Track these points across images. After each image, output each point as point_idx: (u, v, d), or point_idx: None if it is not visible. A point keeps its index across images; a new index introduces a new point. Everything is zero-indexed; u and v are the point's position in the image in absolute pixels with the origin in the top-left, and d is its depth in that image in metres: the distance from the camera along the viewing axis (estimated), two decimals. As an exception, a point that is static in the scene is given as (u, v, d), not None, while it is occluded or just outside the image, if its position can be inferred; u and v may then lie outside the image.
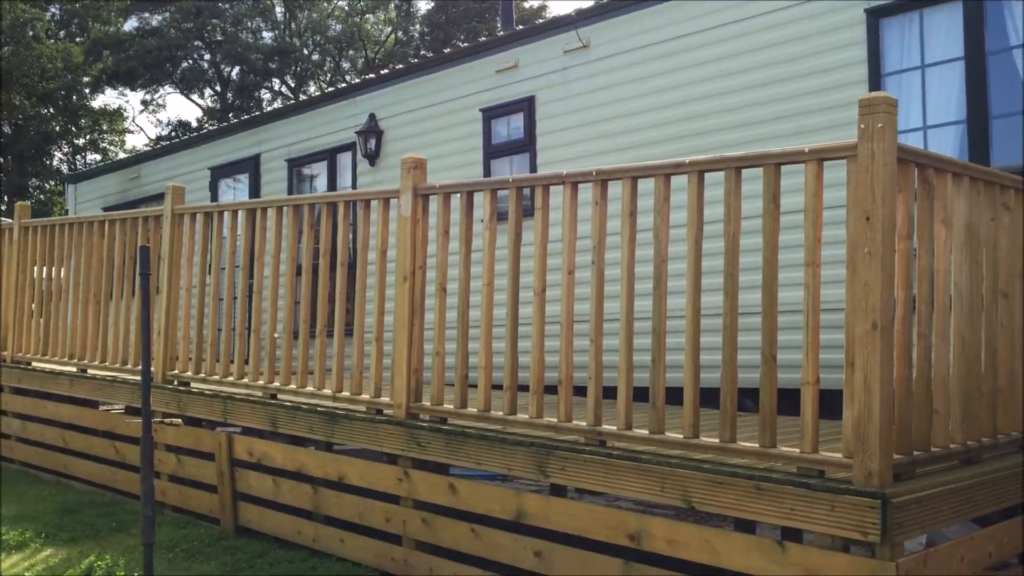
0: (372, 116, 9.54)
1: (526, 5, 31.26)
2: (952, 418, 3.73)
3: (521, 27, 9.21)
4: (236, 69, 34.20)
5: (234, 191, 11.39)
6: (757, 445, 3.56)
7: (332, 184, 10.06)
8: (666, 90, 7.18)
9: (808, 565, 3.31)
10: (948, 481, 3.49)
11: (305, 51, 34.91)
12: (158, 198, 10.94)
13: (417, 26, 34.13)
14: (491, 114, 8.44)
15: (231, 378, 5.91)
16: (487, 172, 8.38)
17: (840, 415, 3.33)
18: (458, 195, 4.73)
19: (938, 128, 5.90)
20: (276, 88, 35.26)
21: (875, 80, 6.03)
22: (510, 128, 8.28)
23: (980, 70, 5.66)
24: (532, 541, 4.20)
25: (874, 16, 6.07)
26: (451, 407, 4.65)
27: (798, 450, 3.45)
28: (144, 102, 37.24)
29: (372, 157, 9.48)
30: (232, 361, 6.01)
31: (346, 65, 35.49)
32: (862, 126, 3.23)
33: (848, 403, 3.27)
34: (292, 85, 34.85)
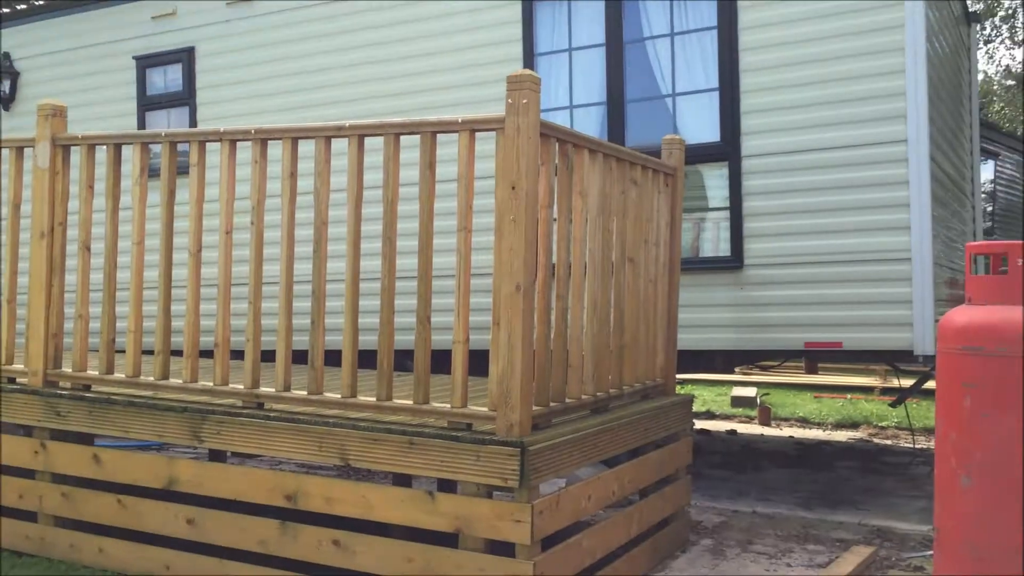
0: (6, 55, 8.56)
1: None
2: (585, 372, 4.12)
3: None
4: None
5: None
6: (411, 402, 3.71)
7: (-44, 129, 8.92)
8: (334, 52, 7.14)
9: (456, 512, 3.52)
10: (580, 428, 3.86)
11: (-76, -26, 30.40)
12: None
13: (64, -41, 30.91)
14: (147, 63, 7.91)
15: None
16: (142, 125, 7.86)
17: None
18: (104, 147, 4.43)
19: (583, 108, 6.41)
20: None
21: (529, 59, 6.42)
22: (167, 79, 7.81)
23: (618, 57, 6.22)
24: (184, 508, 4.07)
25: (529, -2, 6.45)
26: (95, 373, 4.38)
27: (449, 405, 3.64)
28: None
29: (6, 101, 8.53)
30: None
31: (-24, -5, 31.40)
32: (509, 101, 3.44)
33: (494, 360, 3.50)
34: (-93, 12, 30.24)
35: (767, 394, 11.32)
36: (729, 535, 5.16)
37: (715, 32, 5.94)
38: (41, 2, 9.26)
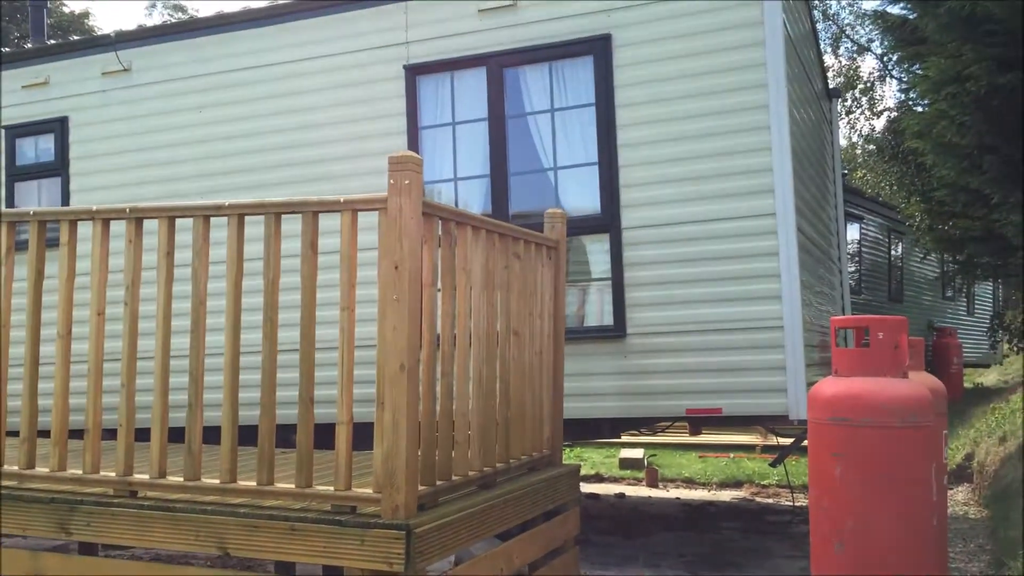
0: None
1: (65, 10, 28.62)
2: (472, 448, 4.11)
3: (53, 42, 8.49)
4: None
5: None
6: (294, 486, 3.63)
7: None
8: (214, 124, 7.06)
9: (340, 599, 3.44)
10: (467, 506, 3.83)
11: None
12: None
13: (-71, 19, 29.68)
14: (17, 132, 7.65)
15: None
16: (10, 195, 7.58)
17: (378, 447, 3.50)
18: (-33, 225, 4.24)
19: (468, 180, 6.49)
20: None
21: (413, 133, 6.49)
22: (39, 150, 7.57)
23: (500, 131, 6.35)
24: (50, 606, 3.86)
25: (412, 72, 6.54)
26: (-46, 464, 4.12)
27: (333, 488, 3.57)
28: None
29: None
30: None
31: None
32: (392, 182, 3.46)
33: (378, 440, 3.46)
34: None
35: (654, 455, 11.49)
36: (618, 604, 5.18)
37: (593, 108, 6.14)
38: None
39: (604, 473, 10.88)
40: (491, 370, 4.31)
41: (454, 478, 3.91)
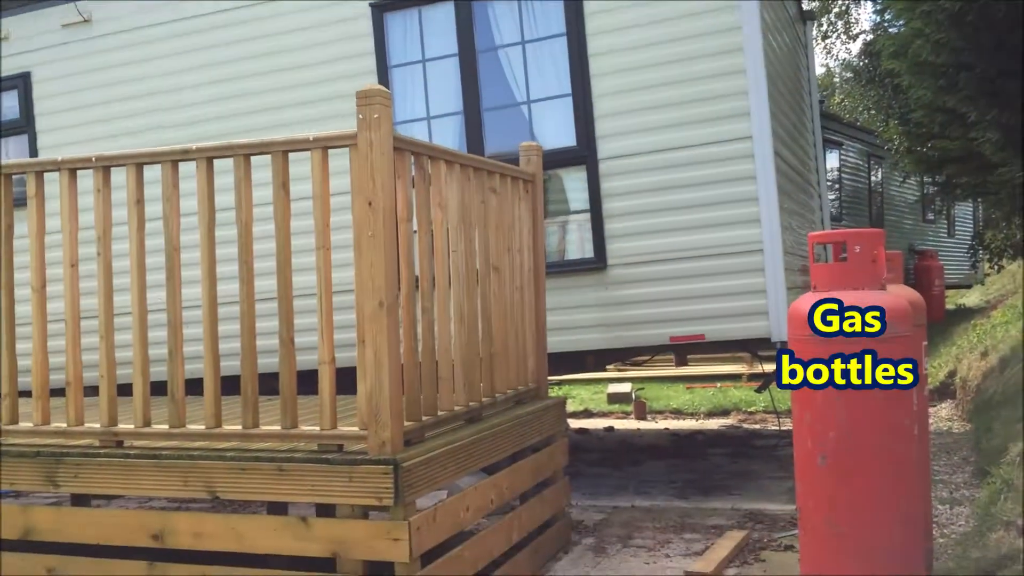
0: None
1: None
2: (456, 383, 4.12)
3: (11, -6, 8.26)
4: None
5: None
6: (279, 428, 3.63)
7: None
8: (181, 72, 6.92)
9: (332, 536, 3.46)
10: (453, 440, 3.85)
11: None
12: None
13: None
14: (-21, 90, 7.50)
15: None
16: (-22, 155, 7.44)
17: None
18: (-68, 183, 4.16)
19: (441, 118, 6.40)
20: None
21: (383, 72, 6.38)
22: (3, 107, 7.42)
23: (472, 66, 6.25)
24: (44, 558, 3.88)
25: (379, 10, 6.40)
26: (-64, 424, 4.11)
27: (319, 428, 3.58)
28: None
29: None
30: None
31: None
32: (360, 116, 3.41)
33: (361, 378, 3.46)
34: None
35: (642, 388, 11.58)
36: (610, 531, 5.25)
37: (564, 39, 6.04)
38: None
39: (593, 409, 10.97)
40: (472, 306, 4.30)
41: (440, 413, 3.93)
